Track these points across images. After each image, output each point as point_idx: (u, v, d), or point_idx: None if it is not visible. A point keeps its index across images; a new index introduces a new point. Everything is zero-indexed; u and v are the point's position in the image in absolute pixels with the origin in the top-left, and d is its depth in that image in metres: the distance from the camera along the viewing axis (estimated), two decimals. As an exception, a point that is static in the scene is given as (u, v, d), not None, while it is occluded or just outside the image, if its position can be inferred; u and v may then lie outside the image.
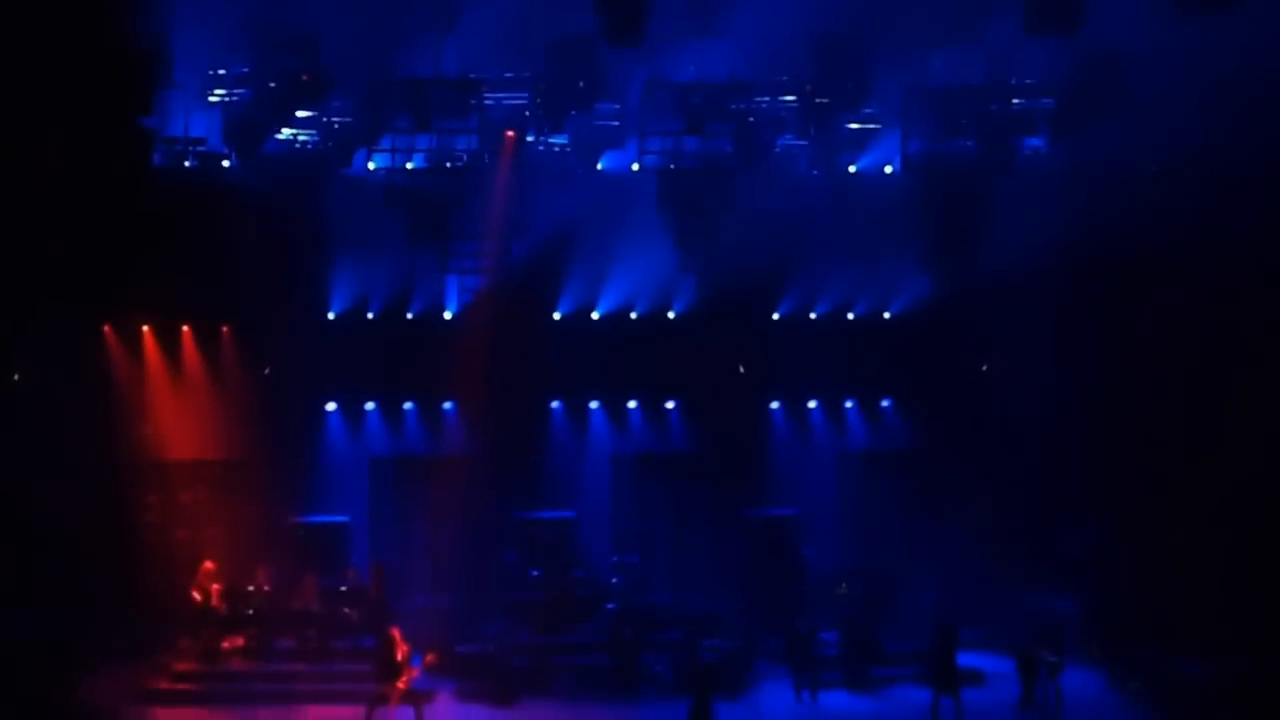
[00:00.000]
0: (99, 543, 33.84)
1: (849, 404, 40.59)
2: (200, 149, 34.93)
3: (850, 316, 39.60)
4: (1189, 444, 33.87)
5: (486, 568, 37.12)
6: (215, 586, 35.02)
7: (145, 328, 37.02)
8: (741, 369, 39.21)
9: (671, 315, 39.12)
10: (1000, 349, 37.73)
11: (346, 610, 35.41)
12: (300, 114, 34.87)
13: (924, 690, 32.47)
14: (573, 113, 34.87)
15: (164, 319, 36.96)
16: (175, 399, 37.13)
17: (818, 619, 34.81)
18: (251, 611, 35.17)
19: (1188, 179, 32.40)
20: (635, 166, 35.96)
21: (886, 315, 39.57)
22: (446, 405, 38.95)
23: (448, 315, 38.22)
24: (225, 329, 37.49)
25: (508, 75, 34.70)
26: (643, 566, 38.42)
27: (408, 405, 39.18)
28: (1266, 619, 32.02)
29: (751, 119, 34.92)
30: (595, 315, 39.02)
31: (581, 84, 34.07)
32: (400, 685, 31.07)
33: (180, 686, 33.85)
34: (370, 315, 38.20)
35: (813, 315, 39.52)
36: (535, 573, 37.08)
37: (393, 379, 38.31)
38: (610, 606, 36.24)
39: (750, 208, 35.57)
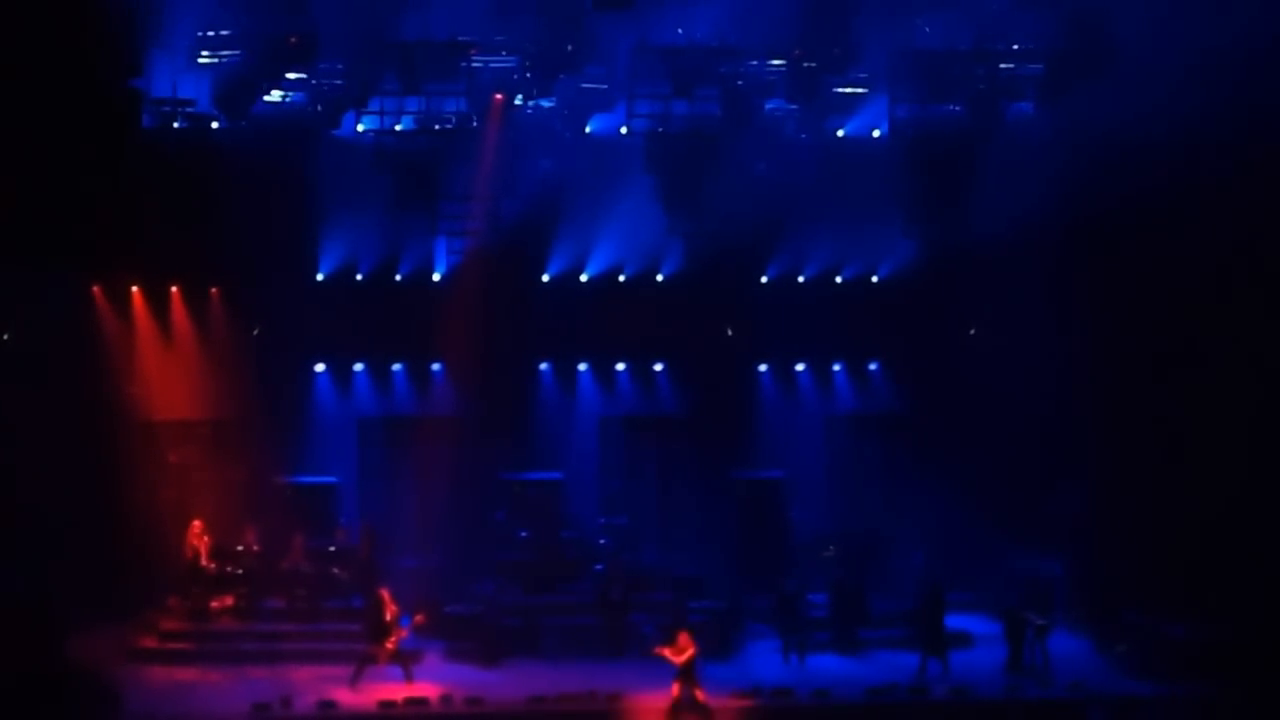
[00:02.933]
0: (88, 502, 33.86)
1: (837, 367, 40.59)
2: (189, 110, 34.95)
3: (838, 280, 39.55)
4: (1176, 408, 33.91)
5: (475, 528, 37.17)
6: (204, 546, 35.11)
7: (134, 288, 36.95)
8: (730, 332, 39.21)
9: (660, 278, 39.09)
10: (988, 312, 37.87)
11: (335, 570, 35.52)
12: (289, 76, 34.95)
13: (912, 654, 32.65)
14: (561, 76, 35.03)
15: (153, 280, 36.90)
16: (164, 359, 37.12)
17: (805, 581, 34.89)
18: (240, 571, 35.28)
19: (1174, 143, 32.39)
20: (624, 130, 36.05)
21: (874, 279, 39.56)
22: (435, 366, 38.96)
23: (436, 277, 38.22)
24: (214, 290, 37.43)
25: (497, 38, 34.77)
26: (631, 528, 38.44)
27: (396, 366, 39.19)
28: (1252, 582, 32.09)
29: (739, 83, 35.13)
30: (584, 277, 39.02)
31: (570, 47, 34.24)
32: (389, 645, 31.23)
33: (169, 646, 33.93)
34: (359, 276, 38.20)
35: (801, 279, 39.47)
36: (523, 534, 37.12)
37: (381, 340, 38.33)
38: (598, 567, 36.35)
39: (738, 171, 35.75)
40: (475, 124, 35.67)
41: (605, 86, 35.84)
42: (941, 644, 32.43)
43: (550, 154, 36.83)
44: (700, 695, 29.07)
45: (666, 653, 29.13)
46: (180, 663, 33.06)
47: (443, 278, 38.12)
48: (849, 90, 36.28)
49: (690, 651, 29.04)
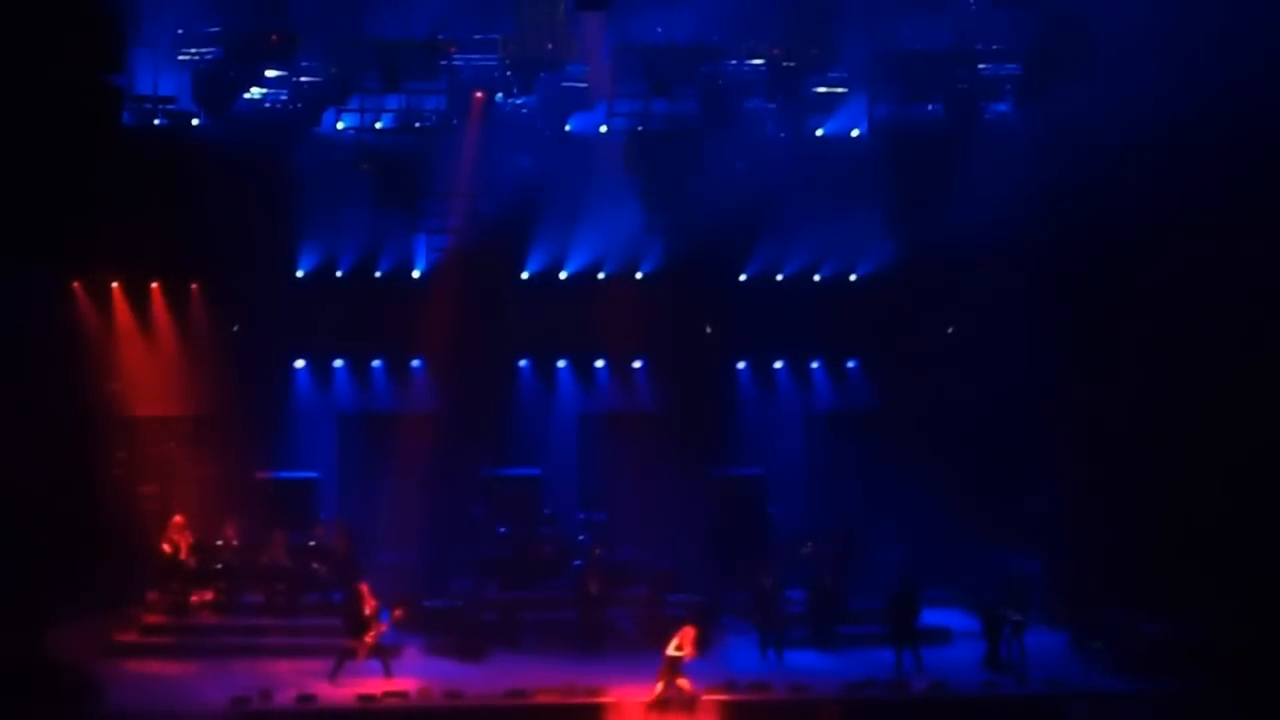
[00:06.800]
0: (68, 498, 33.88)
1: (815, 365, 40.70)
2: (170, 107, 34.98)
3: (817, 278, 39.58)
4: (1154, 405, 34.01)
5: (454, 524, 37.19)
6: (185, 540, 35.14)
7: (114, 284, 36.95)
8: (708, 329, 39.34)
9: (639, 276, 39.13)
10: (965, 312, 37.97)
11: (315, 565, 35.56)
12: (270, 73, 35.01)
13: (889, 650, 32.76)
14: (541, 74, 35.11)
15: (133, 276, 36.89)
16: (144, 355, 37.15)
17: (783, 577, 34.95)
18: (220, 566, 35.32)
19: (1152, 143, 32.50)
20: (603, 128, 36.15)
21: (853, 278, 39.55)
22: (415, 363, 39.03)
23: (416, 274, 38.27)
24: (194, 286, 37.48)
25: (476, 36, 34.85)
26: (609, 524, 38.46)
27: (376, 363, 39.25)
28: (1228, 579, 32.21)
29: (719, 82, 35.18)
30: (563, 275, 39.08)
31: (550, 46, 34.33)
32: (368, 640, 31.31)
33: (149, 640, 34.01)
34: (339, 273, 38.24)
35: (779, 277, 39.54)
36: (502, 529, 37.15)
37: (361, 337, 38.40)
38: (577, 563, 36.38)
39: (717, 170, 35.84)
40: (455, 122, 35.81)
41: (585, 85, 35.96)
42: (914, 637, 32.58)
43: (530, 152, 36.93)
44: (685, 686, 29.28)
45: (679, 651, 29.55)
46: (160, 656, 33.10)
47: (422, 275, 38.18)
48: (828, 90, 36.40)
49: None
